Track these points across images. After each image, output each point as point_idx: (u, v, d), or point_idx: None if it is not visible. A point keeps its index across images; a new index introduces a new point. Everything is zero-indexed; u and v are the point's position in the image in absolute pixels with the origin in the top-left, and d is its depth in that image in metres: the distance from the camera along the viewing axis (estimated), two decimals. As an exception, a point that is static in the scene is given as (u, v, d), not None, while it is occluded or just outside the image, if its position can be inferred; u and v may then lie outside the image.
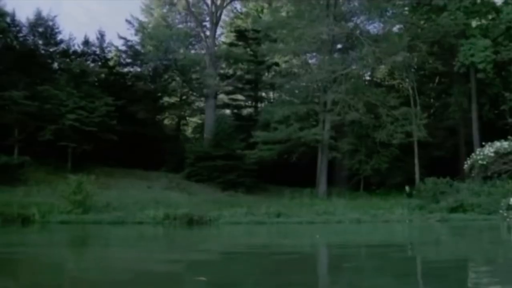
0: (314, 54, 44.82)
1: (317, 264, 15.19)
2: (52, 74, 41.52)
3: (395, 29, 42.94)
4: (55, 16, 44.99)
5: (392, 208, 32.39)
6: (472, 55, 37.77)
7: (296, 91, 44.15)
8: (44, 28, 44.44)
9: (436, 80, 47.84)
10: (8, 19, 40.50)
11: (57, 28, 45.33)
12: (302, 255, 16.35)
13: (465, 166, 35.78)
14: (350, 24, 41.97)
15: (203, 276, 11.57)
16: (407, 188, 36.12)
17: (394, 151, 40.04)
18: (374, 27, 42.89)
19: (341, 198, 36.53)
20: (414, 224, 29.75)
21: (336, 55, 43.12)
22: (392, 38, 40.17)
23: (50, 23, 44.70)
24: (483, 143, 35.37)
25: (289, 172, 41.39)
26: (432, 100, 49.79)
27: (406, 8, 43.32)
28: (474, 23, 39.53)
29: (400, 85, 48.82)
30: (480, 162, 34.31)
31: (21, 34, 43.82)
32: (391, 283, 11.07)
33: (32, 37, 44.44)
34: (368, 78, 49.12)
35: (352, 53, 43.14)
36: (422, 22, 43.07)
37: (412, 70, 44.62)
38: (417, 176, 39.65)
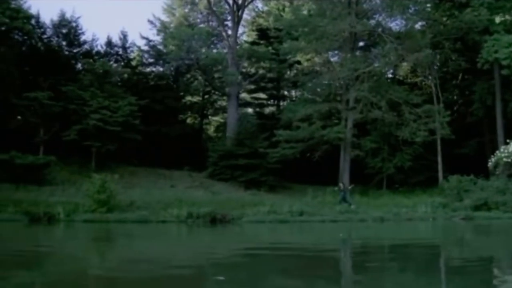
0: (336, 52, 44.70)
1: (340, 262, 15.20)
2: (76, 75, 41.93)
3: (418, 26, 42.67)
4: (78, 17, 45.67)
5: (416, 206, 32.19)
6: (496, 52, 37.33)
7: (318, 89, 44.07)
8: (67, 29, 45.03)
9: (460, 77, 47.39)
10: (33, 21, 40.93)
11: (81, 29, 45.97)
12: (325, 254, 16.36)
13: (490, 163, 35.59)
14: (372, 22, 41.78)
15: (223, 275, 11.67)
16: (338, 187, 35.55)
17: (417, 149, 39.78)
18: (397, 24, 42.67)
19: (364, 197, 36.48)
20: (438, 222, 29.60)
21: (358, 52, 42.99)
22: (415, 35, 39.89)
23: (74, 24, 45.28)
24: (508, 141, 35.13)
25: (311, 170, 41.35)
26: (455, 97, 49.35)
27: (429, 5, 42.90)
28: (497, 19, 39.02)
29: (423, 83, 48.48)
30: (504, 159, 34.08)
31: (45, 36, 44.48)
32: (415, 282, 11.05)
33: (56, 39, 45.02)
34: (390, 75, 48.85)
35: (374, 50, 43.04)
36: (445, 18, 42.73)
37: (435, 67, 44.29)
38: (440, 174, 39.42)
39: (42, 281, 11.23)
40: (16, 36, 40.82)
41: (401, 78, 49.97)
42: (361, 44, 44.41)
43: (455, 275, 11.81)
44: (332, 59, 45.40)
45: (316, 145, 39.48)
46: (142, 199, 30.87)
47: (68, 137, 37.26)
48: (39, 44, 43.97)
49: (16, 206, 27.39)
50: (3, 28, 36.53)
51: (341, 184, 34.73)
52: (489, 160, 35.97)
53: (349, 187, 34.54)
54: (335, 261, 15.19)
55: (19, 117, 39.27)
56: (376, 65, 41.65)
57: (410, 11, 40.86)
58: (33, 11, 41.31)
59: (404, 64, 45.79)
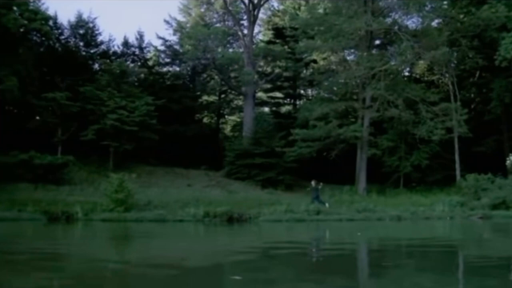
0: (352, 50, 44.67)
1: (356, 262, 15.21)
2: (93, 75, 42.30)
3: (434, 23, 42.44)
4: (95, 18, 46.10)
5: (433, 205, 32.05)
6: (513, 49, 37.09)
7: (335, 88, 44.06)
8: (85, 30, 45.46)
9: (477, 75, 47.06)
10: (50, 23, 41.29)
11: (98, 30, 46.40)
12: (342, 253, 16.37)
13: (508, 162, 35.37)
14: (388, 20, 41.63)
15: (239, 274, 11.73)
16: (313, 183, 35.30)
17: (434, 147, 39.63)
18: (413, 22, 42.44)
19: (381, 195, 36.42)
20: (455, 221, 29.46)
21: (374, 51, 42.88)
22: (431, 33, 39.71)
23: (91, 25, 45.67)
24: (526, 138, 34.88)
25: (328, 169, 41.32)
26: (472, 95, 49.02)
27: (445, 2, 42.65)
28: (515, 16, 38.79)
29: (440, 81, 48.28)
30: (523, 158, 33.86)
31: (63, 37, 44.98)
32: (433, 282, 11.03)
33: (73, 39, 45.44)
34: (407, 74, 48.66)
35: (391, 48, 42.93)
36: (461, 16, 42.47)
37: (452, 65, 44.04)
38: (458, 172, 39.24)
39: (62, 280, 11.37)
40: (35, 38, 41.32)
41: (417, 76, 49.79)
42: (377, 42, 44.32)
43: (473, 275, 11.76)
44: (348, 58, 45.43)
45: (332, 144, 39.47)
46: (160, 198, 31.10)
47: (86, 137, 37.65)
48: (57, 45, 44.44)
49: (35, 205, 27.72)
50: (21, 30, 36.91)
51: (313, 182, 34.49)
52: (507, 158, 35.78)
53: (319, 186, 34.13)
54: (351, 260, 15.19)
55: (37, 117, 39.78)
56: (392, 63, 41.57)
57: (427, 8, 40.65)
58: (50, 12, 41.84)
59: (421, 62, 45.57)
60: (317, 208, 30.22)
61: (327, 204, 31.72)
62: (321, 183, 34.17)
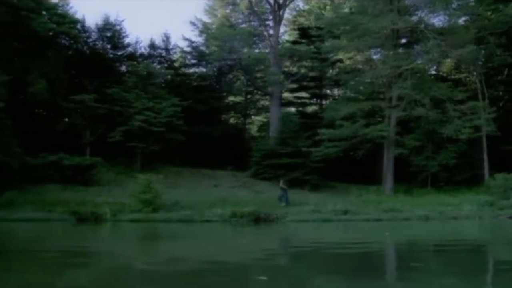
0: (378, 49, 44.48)
1: (384, 262, 15.20)
2: (120, 77, 42.74)
3: (461, 21, 42.08)
4: (122, 21, 46.47)
5: (461, 204, 31.79)
6: (542, 46, 36.66)
7: (361, 88, 43.92)
8: (111, 32, 45.89)
9: (505, 72, 46.50)
10: (78, 26, 41.84)
11: (124, 32, 46.83)
12: (369, 253, 16.36)
13: (538, 160, 34.89)
14: (414, 18, 41.36)
15: (265, 275, 11.81)
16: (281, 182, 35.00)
17: (462, 146, 39.23)
18: (439, 20, 42.09)
19: (408, 195, 36.23)
20: (484, 221, 29.20)
21: (400, 50, 42.60)
22: (458, 31, 39.31)
23: (118, 27, 46.08)
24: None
25: (354, 169, 41.23)
26: (501, 93, 48.36)
27: (472, -1, 42.39)
28: (544, 12, 38.29)
29: (467, 79, 47.74)
30: (553, 156, 33.42)
31: (90, 40, 45.44)
32: (461, 283, 10.99)
33: (100, 42, 45.95)
34: (433, 72, 48.28)
35: (417, 47, 42.61)
36: (489, 13, 42.08)
37: (480, 62, 43.59)
38: (486, 171, 38.88)
39: (91, 278, 11.57)
40: (63, 41, 41.90)
41: (444, 75, 49.32)
42: (403, 41, 44.01)
43: (503, 277, 11.69)
44: (374, 57, 45.29)
45: (359, 143, 39.32)
46: (187, 199, 31.28)
47: (114, 138, 38.04)
48: (85, 47, 44.97)
49: (64, 206, 28.15)
50: (50, 34, 37.47)
51: (281, 181, 34.38)
52: (537, 157, 35.32)
53: (285, 186, 33.94)
54: (379, 261, 15.19)
55: (66, 119, 40.30)
56: (418, 62, 41.27)
57: (453, 6, 40.31)
58: (78, 16, 42.49)
59: (448, 60, 45.10)
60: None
61: (283, 204, 31.79)
62: (285, 186, 34.03)
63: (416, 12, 42.19)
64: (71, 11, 40.95)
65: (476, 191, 36.03)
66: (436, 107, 38.60)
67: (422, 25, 40.06)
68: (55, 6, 38.65)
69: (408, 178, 40.51)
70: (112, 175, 37.58)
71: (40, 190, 31.47)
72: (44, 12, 36.90)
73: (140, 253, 16.87)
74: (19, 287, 10.69)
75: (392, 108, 39.62)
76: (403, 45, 44.05)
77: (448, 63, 47.76)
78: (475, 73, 43.36)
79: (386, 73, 39.01)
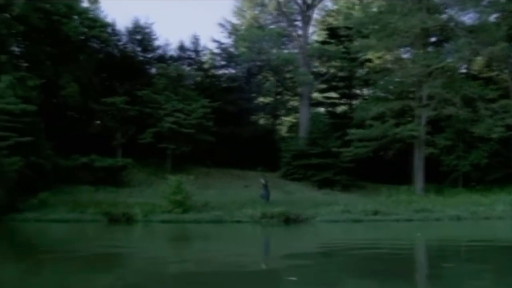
0: (407, 48, 44.08)
1: (415, 263, 15.15)
2: (150, 79, 43.08)
3: (492, 18, 41.43)
4: (151, 24, 46.83)
5: (493, 204, 31.40)
6: None
7: (391, 87, 43.61)
8: (141, 35, 46.28)
9: (538, 70, 45.88)
10: (109, 29, 42.35)
11: (154, 35, 47.15)
12: (400, 254, 16.32)
13: None
14: (444, 16, 40.98)
15: (295, 275, 11.86)
16: (262, 181, 34.54)
17: (493, 145, 38.77)
18: (470, 18, 41.55)
19: (439, 195, 35.92)
20: (517, 221, 28.85)
21: (430, 48, 42.25)
22: (489, 28, 38.75)
23: (147, 30, 46.46)
24: None
25: (385, 169, 41.01)
26: (534, 90, 47.77)
27: (503, -4, 41.79)
28: None
29: (499, 77, 47.13)
30: None
31: (121, 43, 45.89)
32: (494, 285, 10.92)
33: (131, 45, 46.38)
34: (464, 70, 47.70)
35: (447, 45, 42.20)
36: (520, 9, 41.49)
37: (511, 60, 43.04)
38: (519, 170, 38.37)
39: (125, 279, 11.76)
40: (94, 44, 42.44)
41: (475, 73, 48.71)
42: (433, 39, 43.61)
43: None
44: (403, 56, 44.88)
45: (389, 143, 39.11)
46: (217, 200, 31.49)
47: (144, 140, 38.47)
48: (115, 51, 45.45)
49: (96, 207, 28.49)
50: (82, 37, 38.02)
51: (262, 178, 34.23)
52: None
53: (265, 182, 33.75)
54: (410, 261, 15.15)
55: (98, 121, 40.85)
56: (449, 60, 40.84)
57: (484, 3, 39.80)
58: (109, 19, 43.03)
59: (479, 58, 44.65)
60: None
61: (264, 200, 31.93)
62: (265, 181, 33.92)
63: (446, 10, 41.76)
64: (101, 15, 41.54)
65: (508, 191, 35.49)
66: (467, 105, 38.22)
67: (452, 23, 39.73)
68: (86, 10, 39.20)
69: (439, 177, 40.17)
70: (143, 176, 37.97)
71: (73, 191, 31.99)
72: (75, 17, 37.49)
73: (173, 255, 17.05)
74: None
75: (423, 108, 39.34)
76: (433, 43, 43.68)
77: (479, 61, 47.21)
78: (506, 71, 42.78)
79: (416, 72, 38.72)
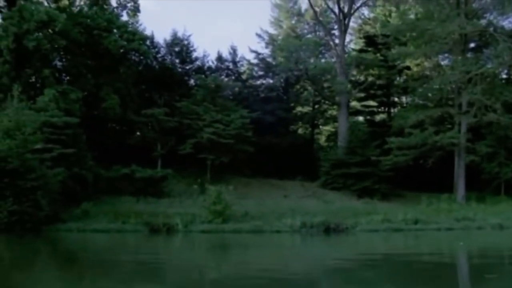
0: (446, 55, 43.72)
1: (457, 273, 15.00)
2: (189, 91, 43.61)
3: (533, 22, 40.98)
4: (189, 36, 47.45)
5: (538, 212, 30.85)
6: None
7: (430, 94, 43.19)
8: (180, 47, 46.91)
9: None
10: (147, 42, 42.96)
11: (192, 46, 47.76)
12: (442, 263, 16.18)
13: None
14: (483, 21, 40.54)
15: (338, 285, 11.86)
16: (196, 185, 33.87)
17: (536, 152, 38.13)
18: (510, 22, 41.08)
19: (480, 203, 35.37)
20: None
21: (469, 54, 41.79)
22: (530, 33, 38.34)
23: (185, 42, 47.04)
24: None
25: (425, 177, 40.56)
26: None
27: (544, 0, 41.10)
28: None
29: (541, 82, 46.37)
30: None
31: (159, 55, 46.65)
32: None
33: (169, 57, 47.05)
34: (504, 76, 47.00)
35: (487, 51, 41.68)
36: (562, 13, 40.78)
37: (552, 65, 42.29)
38: None
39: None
40: (133, 57, 43.15)
41: (516, 79, 48.05)
42: (472, 45, 43.11)
43: None
44: (442, 63, 44.53)
45: (429, 151, 38.68)
46: (256, 210, 31.52)
47: (184, 150, 38.89)
48: (154, 63, 46.18)
49: (137, 217, 28.66)
50: (121, 50, 38.64)
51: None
52: None
53: None
54: (452, 271, 15.01)
55: (138, 133, 41.45)
56: (489, 66, 40.24)
57: (524, 7, 39.31)
58: (147, 32, 43.69)
59: (519, 63, 44.02)
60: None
61: None
62: None
63: (485, 15, 41.30)
64: (140, 28, 42.17)
65: (553, 198, 34.89)
66: (508, 112, 37.61)
67: (491, 28, 39.25)
68: (126, 24, 39.83)
69: (480, 185, 39.55)
70: (183, 186, 38.25)
71: (114, 202, 32.38)
72: (115, 30, 38.12)
73: (215, 265, 17.18)
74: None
75: (462, 115, 38.87)
76: (472, 49, 43.18)
77: (520, 66, 46.47)
78: (548, 76, 42.06)
79: (455, 78, 38.31)
